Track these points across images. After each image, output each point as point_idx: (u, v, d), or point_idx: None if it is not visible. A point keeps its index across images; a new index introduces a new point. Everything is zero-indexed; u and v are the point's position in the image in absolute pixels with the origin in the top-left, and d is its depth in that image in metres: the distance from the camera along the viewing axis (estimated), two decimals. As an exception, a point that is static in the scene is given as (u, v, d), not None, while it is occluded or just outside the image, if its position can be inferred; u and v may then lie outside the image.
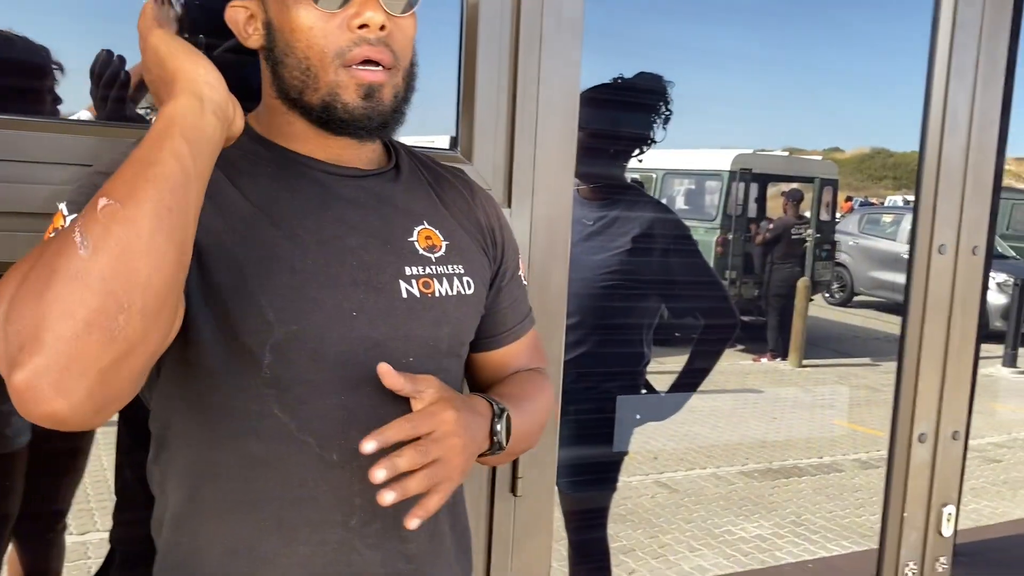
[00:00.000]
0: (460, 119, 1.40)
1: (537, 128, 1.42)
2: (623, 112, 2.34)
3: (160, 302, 0.77)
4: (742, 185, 9.22)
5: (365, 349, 0.98)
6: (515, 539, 1.51)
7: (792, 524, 4.67)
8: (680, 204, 9.79)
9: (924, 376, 1.89)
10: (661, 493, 4.96)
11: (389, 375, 0.89)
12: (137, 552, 1.11)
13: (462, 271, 1.07)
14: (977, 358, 3.41)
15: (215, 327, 0.94)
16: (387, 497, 0.85)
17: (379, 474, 0.84)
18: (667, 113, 2.28)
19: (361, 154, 1.05)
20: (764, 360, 8.41)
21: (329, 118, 0.98)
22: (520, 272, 1.22)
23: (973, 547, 3.84)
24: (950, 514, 1.94)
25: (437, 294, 1.04)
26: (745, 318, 9.13)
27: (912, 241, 1.87)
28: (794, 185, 9.57)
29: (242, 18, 1.00)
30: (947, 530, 1.95)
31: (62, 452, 1.85)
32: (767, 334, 8.66)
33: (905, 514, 1.92)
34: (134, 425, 1.39)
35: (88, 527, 3.17)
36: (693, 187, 9.79)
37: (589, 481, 2.44)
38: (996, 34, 1.85)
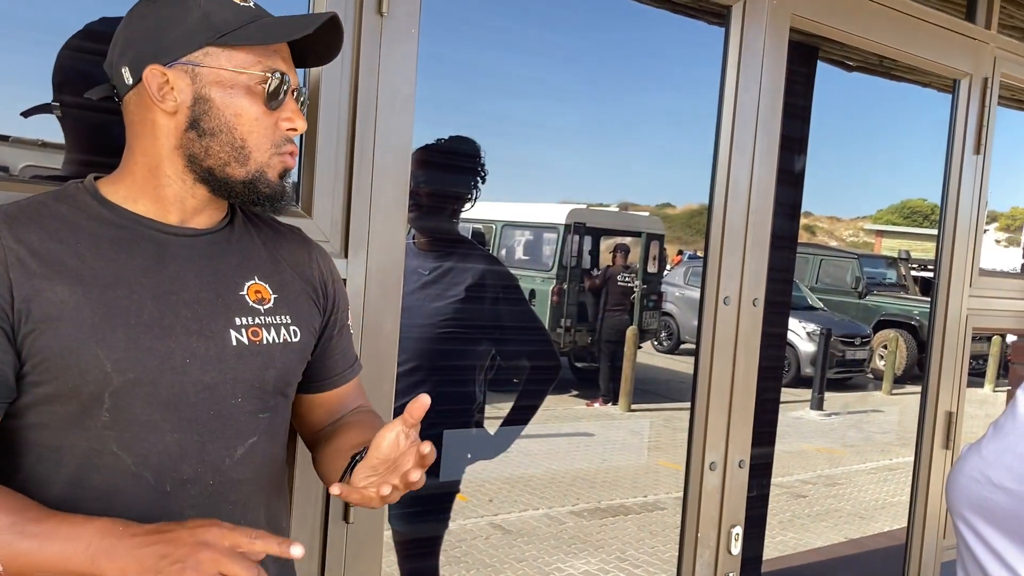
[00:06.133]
0: (301, 178, 1.55)
1: (372, 189, 1.58)
2: (447, 172, 2.54)
3: None
4: (576, 238, 9.67)
5: (196, 391, 1.10)
6: (347, 564, 1.63)
7: (617, 560, 4.92)
8: (519, 255, 10.13)
9: (713, 412, 2.14)
10: (495, 535, 5.11)
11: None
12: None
13: (288, 321, 1.21)
14: (777, 401, 3.76)
15: (57, 384, 1.04)
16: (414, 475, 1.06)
17: (416, 473, 1.06)
18: (483, 173, 2.50)
19: (209, 215, 1.17)
20: (596, 405, 8.78)
21: (250, 191, 1.13)
22: (348, 323, 1.37)
23: (777, 575, 4.22)
24: (737, 534, 2.19)
25: (264, 341, 1.16)
26: (579, 364, 9.52)
27: (701, 293, 2.13)
28: (623, 239, 10.15)
29: (156, 83, 1.08)
30: (735, 548, 2.20)
31: None
32: (599, 380, 9.06)
33: (699, 534, 2.16)
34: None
35: None
36: (531, 238, 10.16)
37: (419, 513, 2.57)
38: (770, 117, 2.16)
